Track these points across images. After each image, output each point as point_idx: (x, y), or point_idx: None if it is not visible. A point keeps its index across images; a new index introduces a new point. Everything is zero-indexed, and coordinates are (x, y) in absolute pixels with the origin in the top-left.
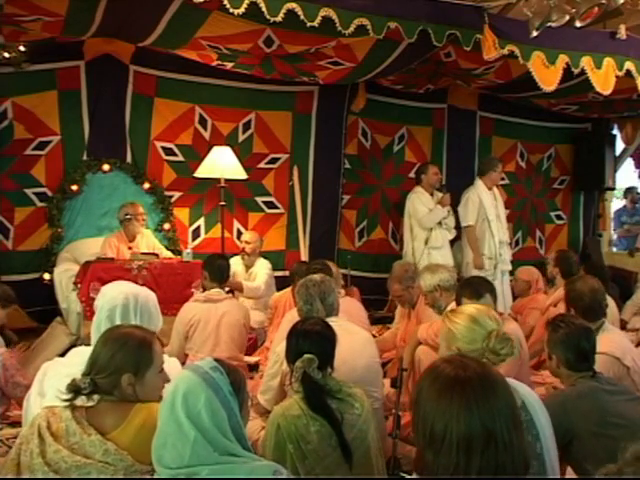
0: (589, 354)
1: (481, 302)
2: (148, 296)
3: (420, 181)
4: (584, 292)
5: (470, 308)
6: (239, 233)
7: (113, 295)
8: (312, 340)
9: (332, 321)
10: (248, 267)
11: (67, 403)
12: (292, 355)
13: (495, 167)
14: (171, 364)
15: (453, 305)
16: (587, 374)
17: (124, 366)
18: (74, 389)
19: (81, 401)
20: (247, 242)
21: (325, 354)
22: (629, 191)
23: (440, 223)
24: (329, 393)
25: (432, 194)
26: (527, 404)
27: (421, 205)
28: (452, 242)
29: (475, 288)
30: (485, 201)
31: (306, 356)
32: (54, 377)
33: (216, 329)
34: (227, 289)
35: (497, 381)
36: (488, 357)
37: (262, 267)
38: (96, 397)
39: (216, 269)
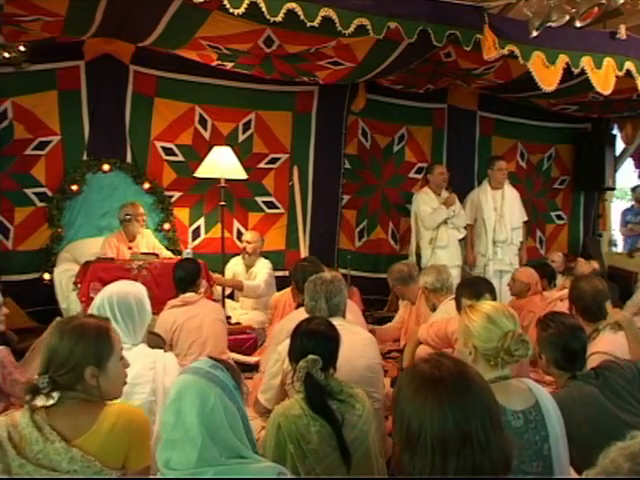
0: (578, 354)
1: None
2: (128, 294)
3: (428, 182)
4: (586, 292)
5: (487, 306)
6: (239, 233)
7: (95, 300)
8: (317, 340)
9: (334, 321)
10: (249, 267)
11: (25, 408)
12: (296, 355)
13: (491, 165)
14: (168, 360)
15: (446, 303)
16: (579, 374)
17: (85, 359)
18: (32, 390)
19: (40, 400)
20: (248, 242)
21: (329, 355)
22: (635, 190)
23: (446, 222)
24: (330, 394)
25: (440, 194)
26: (541, 404)
27: (425, 205)
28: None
29: (475, 288)
30: (484, 201)
31: (310, 357)
32: None
33: (200, 330)
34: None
35: (472, 381)
36: (503, 357)
37: (263, 267)
38: (56, 394)
39: (182, 274)
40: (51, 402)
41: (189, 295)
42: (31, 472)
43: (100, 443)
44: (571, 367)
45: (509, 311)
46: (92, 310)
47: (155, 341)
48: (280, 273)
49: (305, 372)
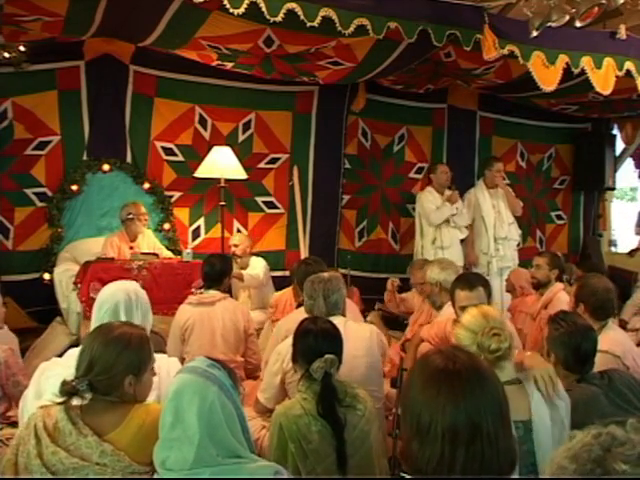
0: (589, 356)
1: (473, 293)
2: (144, 293)
3: (431, 181)
4: (598, 289)
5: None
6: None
7: (112, 292)
8: (330, 340)
9: (334, 320)
10: (242, 269)
11: (62, 404)
12: (310, 355)
13: (489, 166)
14: (172, 365)
15: (450, 304)
16: (586, 376)
17: (128, 368)
18: (70, 392)
19: (75, 400)
20: (235, 245)
21: (340, 354)
22: None
23: (449, 222)
24: (336, 397)
25: (442, 193)
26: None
27: (429, 203)
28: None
29: (468, 280)
30: (482, 199)
31: (328, 356)
32: (52, 377)
33: (211, 334)
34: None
35: (486, 376)
36: (482, 354)
37: (258, 263)
38: (89, 395)
39: (208, 269)
40: (84, 402)
41: (210, 294)
42: (63, 459)
43: (129, 439)
44: (580, 369)
45: (493, 313)
46: (118, 301)
47: (155, 339)
48: (280, 273)
49: (323, 372)
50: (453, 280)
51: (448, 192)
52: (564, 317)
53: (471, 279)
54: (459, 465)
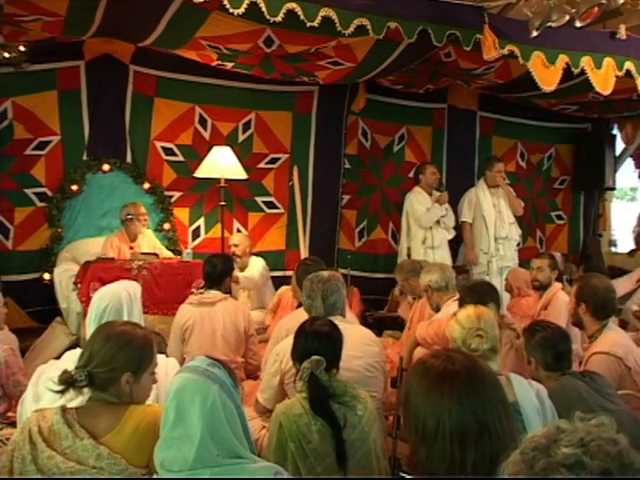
0: (565, 355)
1: None
2: (132, 297)
3: (419, 181)
4: (599, 289)
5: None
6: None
7: (114, 288)
8: (321, 341)
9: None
10: (242, 269)
11: (57, 406)
12: (300, 355)
13: (490, 166)
14: (170, 365)
15: (449, 305)
16: (568, 372)
17: (126, 365)
18: (67, 380)
19: (72, 396)
20: (235, 245)
21: (332, 355)
22: None
23: (438, 222)
24: (333, 396)
25: (431, 194)
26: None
27: (419, 204)
28: (458, 242)
29: (480, 296)
30: (482, 199)
31: (314, 357)
32: (50, 380)
33: (212, 334)
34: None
35: (485, 373)
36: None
37: (256, 263)
38: (86, 392)
39: (209, 269)
40: (80, 399)
41: (211, 294)
42: (59, 463)
43: (125, 442)
44: (560, 366)
45: (487, 315)
46: (108, 313)
47: (156, 340)
48: (280, 273)
49: (309, 373)
50: (463, 291)
51: (437, 193)
52: (538, 324)
53: (482, 296)
54: (470, 464)
